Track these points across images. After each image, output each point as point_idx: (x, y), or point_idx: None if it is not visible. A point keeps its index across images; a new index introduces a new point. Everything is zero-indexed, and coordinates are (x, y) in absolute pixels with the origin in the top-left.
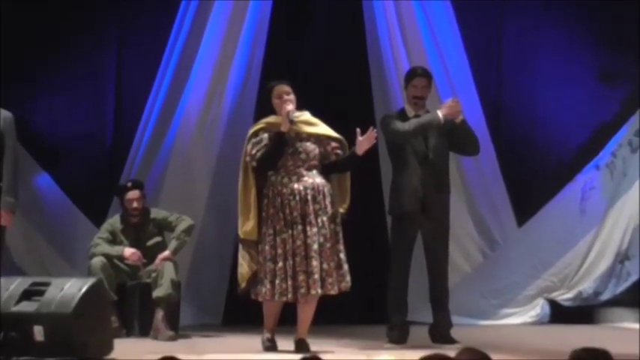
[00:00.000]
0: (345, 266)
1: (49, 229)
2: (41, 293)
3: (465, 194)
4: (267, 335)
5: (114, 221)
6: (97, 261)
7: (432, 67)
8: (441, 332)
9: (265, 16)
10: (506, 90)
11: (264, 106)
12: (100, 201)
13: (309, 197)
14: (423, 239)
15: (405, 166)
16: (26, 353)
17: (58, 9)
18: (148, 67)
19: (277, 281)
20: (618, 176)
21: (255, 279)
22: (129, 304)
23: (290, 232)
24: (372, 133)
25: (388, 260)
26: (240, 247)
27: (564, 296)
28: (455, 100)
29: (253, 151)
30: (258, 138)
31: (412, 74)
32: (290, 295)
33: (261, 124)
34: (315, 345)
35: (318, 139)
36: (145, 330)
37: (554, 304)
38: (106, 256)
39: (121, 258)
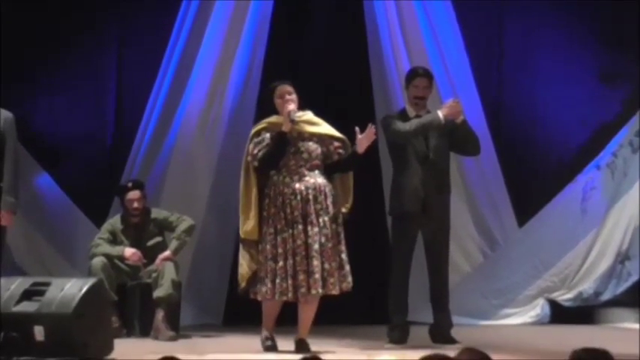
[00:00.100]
0: (347, 266)
1: (50, 229)
2: (42, 293)
3: (465, 194)
4: (267, 334)
5: (114, 221)
6: (98, 261)
7: (433, 67)
8: (441, 332)
9: (266, 15)
10: (507, 90)
11: (265, 106)
12: (100, 201)
13: (311, 197)
14: (423, 239)
15: (406, 166)
16: (27, 353)
17: (58, 9)
18: (149, 67)
19: (278, 280)
20: (619, 176)
21: (254, 278)
22: (129, 305)
23: (291, 231)
24: (370, 130)
25: (389, 260)
26: (241, 246)
27: (565, 296)
28: (455, 101)
29: (255, 151)
30: (260, 138)
31: (413, 74)
32: (290, 295)
33: (263, 124)
34: (315, 345)
35: (321, 138)
36: (145, 330)
37: (554, 305)
38: (107, 256)
39: (122, 258)
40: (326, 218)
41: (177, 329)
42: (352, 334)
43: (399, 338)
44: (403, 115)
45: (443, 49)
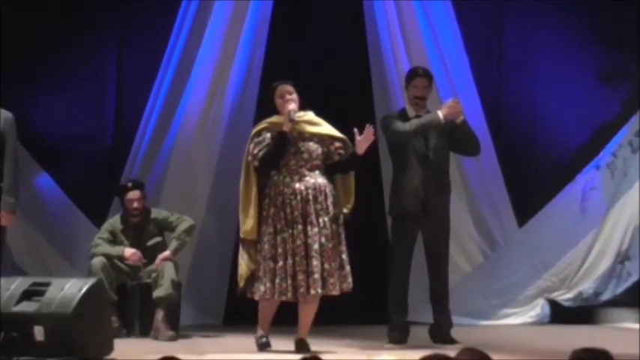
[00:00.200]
0: (348, 267)
1: (50, 229)
2: (41, 293)
3: (465, 194)
4: (262, 333)
5: (114, 221)
6: (98, 261)
7: (433, 67)
8: (441, 332)
9: (266, 16)
10: (507, 90)
11: (265, 106)
12: (100, 201)
13: (311, 197)
14: (423, 239)
15: (406, 167)
16: (26, 353)
17: (58, 9)
18: (149, 67)
19: (277, 280)
20: (619, 176)
21: (252, 278)
22: (129, 305)
23: (290, 231)
24: (369, 131)
25: (389, 260)
26: (240, 246)
27: (565, 296)
28: (455, 101)
29: (255, 151)
30: (260, 138)
31: (413, 74)
32: (290, 295)
33: (263, 124)
34: (315, 345)
35: (321, 138)
36: (145, 330)
37: (554, 305)
38: (107, 256)
39: (122, 258)
40: (326, 218)
41: (177, 329)
42: (352, 334)
43: (399, 338)
44: (403, 115)
45: (443, 49)
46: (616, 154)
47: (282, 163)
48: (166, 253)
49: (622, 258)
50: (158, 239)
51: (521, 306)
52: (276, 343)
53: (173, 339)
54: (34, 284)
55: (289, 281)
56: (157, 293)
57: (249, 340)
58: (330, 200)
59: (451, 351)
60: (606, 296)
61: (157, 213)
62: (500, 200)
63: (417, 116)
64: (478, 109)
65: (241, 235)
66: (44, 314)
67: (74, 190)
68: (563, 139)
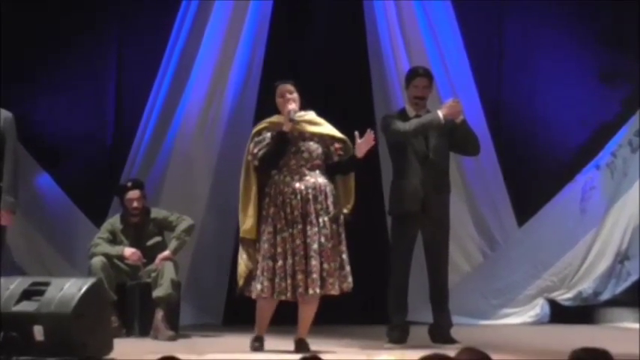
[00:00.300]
0: (348, 267)
1: (50, 229)
2: (41, 293)
3: (465, 194)
4: (257, 335)
5: (114, 221)
6: (97, 261)
7: (433, 67)
8: (441, 332)
9: (266, 15)
10: (507, 90)
11: (265, 106)
12: (100, 201)
13: (311, 197)
14: (423, 239)
15: (406, 167)
16: (26, 353)
17: (58, 9)
18: (149, 66)
19: (277, 280)
20: (618, 176)
21: (250, 277)
22: (129, 304)
23: (290, 231)
24: (369, 135)
25: (388, 260)
26: (240, 245)
27: (564, 296)
28: (455, 100)
29: (255, 150)
30: (260, 137)
31: (413, 74)
32: (289, 294)
33: (264, 124)
34: (315, 345)
35: (322, 138)
36: (145, 330)
37: (554, 304)
38: (106, 255)
39: (121, 258)
40: (326, 218)
41: (177, 329)
42: (352, 333)
43: (399, 338)
44: (403, 115)
45: (442, 48)
46: (616, 154)
47: (282, 163)
48: (166, 252)
49: (621, 258)
50: (158, 239)
51: (521, 306)
52: (276, 342)
53: (173, 339)
54: (34, 284)
55: (289, 281)
56: (157, 293)
57: (248, 340)
58: (330, 200)
59: (451, 351)
60: (606, 296)
61: (156, 213)
62: (499, 200)
63: (417, 116)
64: (478, 109)
65: (241, 235)
66: (44, 314)
67: (74, 189)
68: (563, 138)
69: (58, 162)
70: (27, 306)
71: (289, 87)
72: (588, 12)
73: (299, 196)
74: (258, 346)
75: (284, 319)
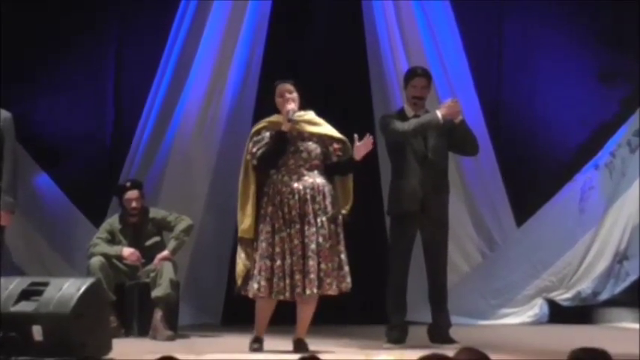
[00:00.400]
0: (346, 267)
1: (49, 229)
2: (40, 293)
3: (464, 194)
4: (256, 336)
5: (113, 221)
6: (96, 261)
7: (431, 67)
8: (439, 332)
9: (264, 15)
10: (506, 90)
11: (264, 106)
12: (99, 201)
13: (309, 197)
14: (422, 239)
15: (405, 167)
16: (25, 353)
17: (57, 9)
18: (148, 66)
19: (275, 280)
20: (617, 176)
21: (248, 276)
22: (128, 304)
23: (288, 230)
24: (368, 140)
25: (387, 260)
26: (238, 245)
27: (563, 296)
28: (454, 100)
29: (254, 149)
30: (259, 136)
31: (411, 74)
32: (287, 294)
33: (263, 123)
34: (313, 345)
35: (321, 139)
36: (143, 330)
37: (552, 304)
38: (105, 255)
39: (120, 258)
40: (324, 218)
41: (176, 329)
42: (351, 333)
43: (398, 338)
44: (401, 115)
45: (441, 49)
46: (614, 154)
47: (281, 163)
48: (165, 252)
49: (620, 258)
50: (156, 239)
51: (520, 306)
52: (275, 342)
53: (171, 339)
54: (33, 284)
55: (287, 281)
56: (156, 293)
57: (247, 340)
58: (328, 200)
59: (450, 351)
60: (604, 296)
61: (155, 213)
62: (498, 200)
63: (416, 116)
64: (477, 109)
65: (239, 234)
66: (42, 314)
67: (73, 189)
68: (562, 138)
69: (57, 162)
70: (26, 306)
71: (289, 87)
72: (588, 12)
73: (297, 196)
74: (257, 347)
75: (283, 319)
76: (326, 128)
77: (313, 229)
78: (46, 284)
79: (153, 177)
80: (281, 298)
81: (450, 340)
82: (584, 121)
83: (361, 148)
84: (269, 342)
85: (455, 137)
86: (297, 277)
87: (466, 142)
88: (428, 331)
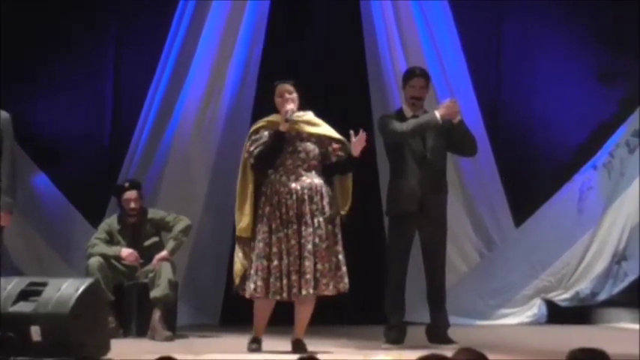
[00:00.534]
0: (344, 268)
1: (47, 229)
2: (38, 293)
3: (462, 194)
4: (254, 336)
5: (111, 221)
6: (95, 261)
7: (430, 68)
8: (438, 332)
9: (263, 15)
10: (504, 90)
11: (263, 106)
12: (97, 201)
13: (306, 197)
14: (420, 239)
15: (403, 167)
16: (23, 353)
17: (57, 9)
18: (146, 66)
19: (272, 280)
20: (616, 176)
21: (246, 276)
22: (126, 305)
23: (285, 231)
24: (362, 135)
25: (386, 260)
26: (236, 244)
27: (561, 296)
28: (453, 101)
29: (251, 148)
30: (258, 135)
31: (410, 74)
32: (284, 295)
33: (262, 122)
34: (312, 345)
35: (320, 139)
36: (142, 330)
37: (551, 305)
38: (104, 256)
39: (119, 258)
40: (321, 219)
41: (174, 329)
42: (349, 334)
43: (396, 338)
44: (400, 115)
45: (440, 49)
46: (613, 154)
47: (279, 162)
48: (163, 253)
49: (619, 258)
50: (155, 239)
51: (518, 306)
52: (273, 343)
53: (170, 339)
54: (31, 284)
55: (284, 281)
56: (154, 293)
57: (245, 340)
58: (325, 201)
59: (448, 351)
60: (603, 296)
61: (153, 213)
62: (497, 200)
63: (414, 116)
64: (475, 109)
65: (237, 233)
66: (41, 314)
67: (71, 189)
68: (561, 138)
69: (56, 162)
70: (24, 306)
71: (288, 87)
72: (587, 12)
73: (295, 196)
74: (255, 347)
75: (281, 319)
76: (325, 129)
77: (310, 230)
78: (44, 284)
79: (151, 177)
80: (277, 298)
81: (448, 341)
82: (583, 121)
83: (357, 144)
84: (267, 342)
85: (453, 137)
86: (294, 277)
87: (465, 143)
88: (426, 332)
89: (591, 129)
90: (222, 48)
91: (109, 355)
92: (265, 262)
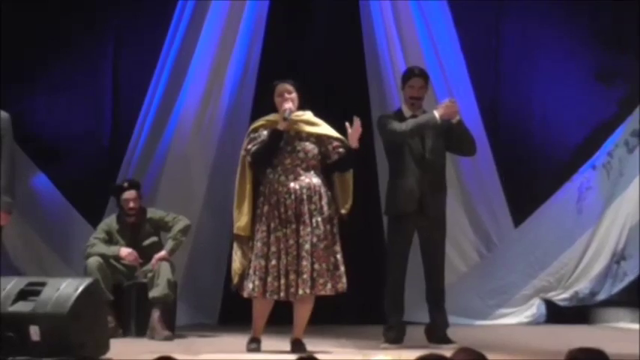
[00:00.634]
0: (342, 268)
1: (46, 229)
2: (37, 293)
3: (461, 194)
4: (253, 336)
5: (110, 221)
6: (94, 261)
7: (429, 67)
8: (437, 332)
9: (262, 15)
10: (503, 90)
11: (262, 106)
12: (96, 201)
13: (305, 197)
14: (419, 239)
15: (402, 167)
16: (22, 353)
17: (56, 9)
18: (146, 66)
19: (269, 279)
20: (615, 176)
21: (244, 275)
22: (125, 304)
23: (284, 230)
24: (356, 122)
25: (385, 260)
26: (234, 243)
27: (560, 296)
28: (452, 101)
29: (249, 146)
30: (256, 134)
31: (409, 74)
32: (282, 294)
33: (261, 121)
34: (311, 345)
35: (319, 139)
36: (141, 330)
37: (550, 304)
38: (103, 256)
39: (118, 258)
40: (319, 219)
41: (173, 329)
42: (348, 334)
43: (395, 338)
44: (399, 115)
45: (439, 49)
46: (612, 154)
47: (277, 162)
48: (162, 252)
49: (618, 258)
50: (154, 239)
51: (517, 306)
52: (272, 343)
53: (169, 339)
54: (30, 284)
55: (282, 280)
56: (153, 293)
57: (244, 340)
58: (324, 201)
59: (447, 351)
60: (602, 296)
61: (152, 213)
62: (496, 200)
63: (413, 116)
64: (474, 109)
65: (235, 231)
66: (40, 314)
67: (70, 189)
68: (560, 138)
69: (55, 162)
70: (23, 306)
71: (288, 87)
72: (587, 11)
73: (293, 196)
74: (254, 347)
75: (280, 319)
76: (324, 128)
77: (308, 230)
78: (43, 284)
79: (150, 177)
80: (275, 298)
81: (447, 340)
82: (582, 121)
83: (353, 134)
84: (266, 342)
85: (452, 137)
86: (292, 277)
87: (464, 142)
88: (425, 331)
89: (590, 129)
90: (221, 48)
91: (108, 355)
92: (263, 262)
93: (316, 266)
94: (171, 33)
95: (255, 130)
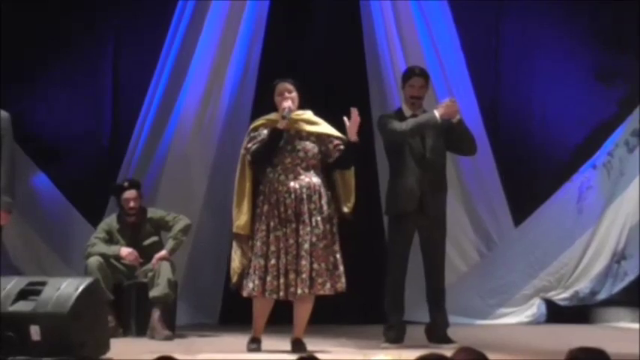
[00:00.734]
0: (341, 267)
1: (46, 229)
2: (38, 293)
3: (461, 194)
4: (253, 336)
5: (110, 221)
6: (94, 260)
7: (429, 67)
8: (437, 332)
9: (262, 15)
10: (504, 89)
11: (262, 105)
12: (97, 200)
13: (304, 196)
14: (419, 239)
15: (403, 166)
16: (23, 353)
17: (56, 8)
18: (146, 66)
19: (269, 278)
20: (615, 176)
21: (244, 274)
22: (125, 304)
23: (283, 229)
24: (354, 114)
25: (385, 260)
26: (234, 241)
27: (561, 296)
28: (452, 100)
29: (249, 145)
30: (256, 133)
31: (409, 74)
32: (282, 294)
33: (261, 120)
34: (311, 345)
35: (319, 138)
36: (141, 329)
37: (550, 304)
38: (103, 255)
39: (118, 257)
40: (319, 218)
41: (173, 329)
42: (348, 333)
43: (396, 338)
44: (399, 115)
45: (439, 48)
46: (612, 154)
47: (277, 161)
48: (163, 252)
49: (618, 257)
50: (154, 239)
51: (518, 305)
52: (272, 342)
53: (169, 338)
54: (31, 284)
55: (281, 280)
56: (154, 293)
57: (245, 340)
58: (324, 200)
59: (447, 350)
60: (602, 296)
61: (153, 212)
62: (496, 199)
63: (414, 116)
64: (474, 109)
65: (234, 230)
66: (40, 314)
67: (71, 189)
68: (560, 138)
69: (55, 161)
70: (24, 306)
71: (288, 86)
72: (587, 11)
73: (293, 195)
74: (254, 347)
75: (281, 319)
76: (324, 127)
77: (308, 229)
78: (43, 284)
79: (151, 176)
80: (274, 297)
81: (447, 340)
82: (583, 120)
83: (351, 126)
84: (267, 342)
85: (453, 137)
86: (291, 276)
87: (464, 142)
88: (426, 331)
89: (590, 129)
90: (221, 48)
91: (109, 355)
92: (262, 261)
93: (315, 266)
94: (171, 33)
95: (256, 129)
